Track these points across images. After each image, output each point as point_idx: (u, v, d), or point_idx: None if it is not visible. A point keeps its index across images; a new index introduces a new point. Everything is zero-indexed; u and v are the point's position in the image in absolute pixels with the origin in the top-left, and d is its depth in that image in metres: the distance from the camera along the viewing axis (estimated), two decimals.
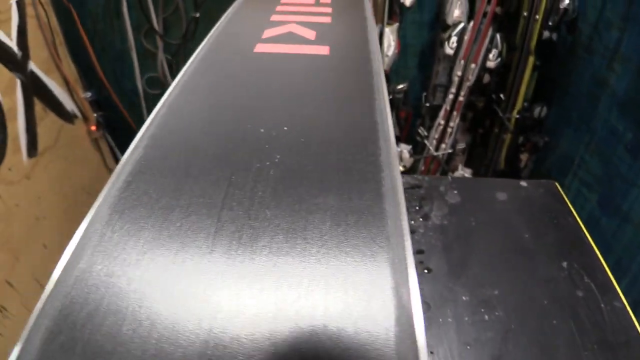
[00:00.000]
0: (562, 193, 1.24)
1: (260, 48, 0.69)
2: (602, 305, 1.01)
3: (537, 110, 1.89)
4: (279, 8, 0.87)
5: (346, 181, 0.43)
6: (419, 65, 2.24)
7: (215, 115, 0.53)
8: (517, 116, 1.90)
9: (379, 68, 0.64)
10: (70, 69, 2.01)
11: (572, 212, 1.19)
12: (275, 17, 0.81)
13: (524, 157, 1.90)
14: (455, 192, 1.18)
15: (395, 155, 0.50)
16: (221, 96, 0.57)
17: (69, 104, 1.99)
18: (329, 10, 0.87)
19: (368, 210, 0.40)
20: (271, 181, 0.43)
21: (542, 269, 1.03)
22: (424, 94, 2.13)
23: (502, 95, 1.95)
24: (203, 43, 0.74)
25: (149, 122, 0.52)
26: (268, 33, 0.74)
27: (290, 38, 0.73)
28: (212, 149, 0.47)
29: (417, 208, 1.13)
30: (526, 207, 1.17)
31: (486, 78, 1.93)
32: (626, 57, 1.64)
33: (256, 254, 0.35)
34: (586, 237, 1.13)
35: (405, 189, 1.18)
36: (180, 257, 0.35)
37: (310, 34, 0.74)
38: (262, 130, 0.50)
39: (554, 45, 1.86)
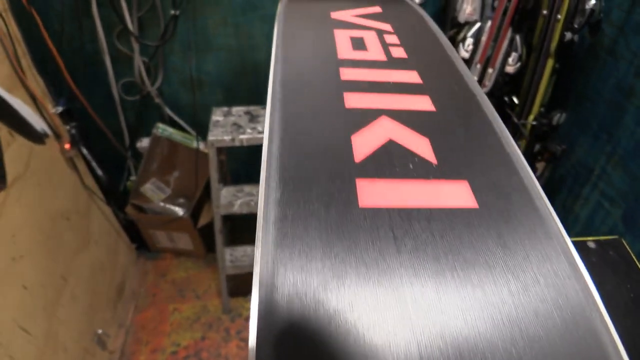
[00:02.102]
0: (631, 253, 1.00)
1: (365, 194, 0.39)
2: None
3: (556, 117, 1.63)
4: (345, 72, 0.56)
5: None
6: None
7: None
8: (534, 122, 1.64)
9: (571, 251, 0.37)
10: (36, 82, 1.64)
11: None
12: (350, 100, 0.51)
13: (539, 165, 1.66)
14: None
15: None
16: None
17: (38, 123, 1.62)
18: (416, 77, 0.57)
19: None
20: None
21: None
22: None
23: (514, 98, 1.69)
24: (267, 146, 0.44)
25: None
26: (359, 145, 0.44)
27: (399, 160, 0.43)
28: None
29: None
30: (601, 281, 0.93)
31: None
32: None
33: None
34: None
35: None
36: None
37: (425, 149, 0.44)
38: None
39: (574, 47, 1.60)
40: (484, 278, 0.34)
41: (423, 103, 0.52)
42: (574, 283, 0.35)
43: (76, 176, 1.77)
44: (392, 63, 0.60)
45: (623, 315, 0.88)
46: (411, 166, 0.43)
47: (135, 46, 1.79)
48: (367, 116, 0.49)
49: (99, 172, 1.86)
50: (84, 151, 1.84)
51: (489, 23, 1.56)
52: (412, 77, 0.57)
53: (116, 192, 1.95)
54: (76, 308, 1.73)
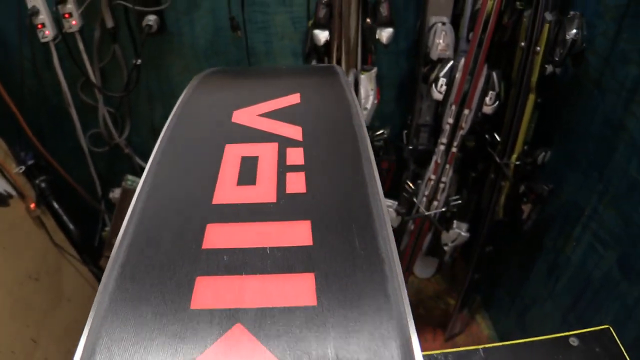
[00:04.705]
0: (620, 345, 0.83)
1: None
2: None
3: (540, 156, 1.46)
4: (212, 236, 0.40)
5: None
6: (396, 100, 1.77)
7: None
8: (517, 162, 1.46)
9: None
10: None
11: None
12: (201, 295, 0.34)
13: (526, 207, 1.48)
14: None
15: None
16: None
17: (0, 185, 1.50)
18: (306, 234, 0.41)
19: None
20: None
21: None
22: (405, 132, 1.67)
23: (496, 135, 1.51)
24: None
25: None
26: None
27: None
28: None
29: None
30: None
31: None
32: None
33: None
34: None
35: None
36: None
37: None
38: None
39: (557, 80, 1.42)
40: None
41: (303, 293, 0.37)
42: None
43: (44, 234, 1.63)
44: (282, 209, 0.44)
45: None
46: None
47: (100, 97, 1.64)
48: (215, 328, 0.34)
49: (71, 226, 1.72)
50: (55, 205, 1.70)
51: (463, 60, 1.39)
52: (301, 234, 0.41)
53: (90, 246, 1.81)
54: None
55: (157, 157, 0.51)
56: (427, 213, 1.55)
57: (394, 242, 0.43)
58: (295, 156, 0.51)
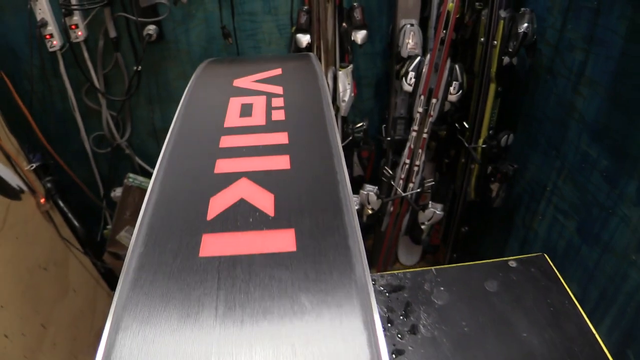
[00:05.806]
0: (554, 268, 1.10)
1: (206, 246, 0.53)
2: None
3: (503, 139, 1.75)
4: (225, 140, 0.69)
5: None
6: (375, 96, 2.07)
7: None
8: (483, 145, 1.76)
9: None
10: (10, 141, 1.78)
11: (569, 294, 1.06)
12: (221, 166, 0.63)
13: (494, 187, 1.77)
14: (442, 288, 1.04)
15: None
16: None
17: (13, 180, 1.77)
18: (284, 138, 0.70)
19: None
20: None
21: None
22: (384, 126, 1.97)
23: (465, 124, 1.81)
24: None
25: None
26: (214, 205, 0.57)
27: (243, 215, 0.56)
28: None
29: (403, 318, 0.99)
30: (520, 297, 1.03)
31: (447, 105, 1.78)
32: (593, 80, 1.51)
33: None
34: (589, 326, 1.01)
35: (389, 294, 1.04)
36: None
37: (267, 205, 0.58)
38: None
39: (515, 70, 1.72)
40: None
41: (282, 163, 0.65)
42: None
43: (53, 228, 1.90)
44: (269, 127, 0.72)
45: (541, 328, 0.98)
46: (251, 220, 0.56)
47: (103, 101, 1.93)
48: (229, 180, 0.61)
49: (76, 223, 1.98)
50: (61, 203, 1.97)
51: (429, 56, 1.69)
52: (281, 138, 0.70)
53: (93, 242, 2.07)
54: (57, 355, 1.83)
55: (182, 109, 0.79)
56: (404, 194, 1.84)
57: (340, 143, 0.72)
58: (278, 102, 0.80)
